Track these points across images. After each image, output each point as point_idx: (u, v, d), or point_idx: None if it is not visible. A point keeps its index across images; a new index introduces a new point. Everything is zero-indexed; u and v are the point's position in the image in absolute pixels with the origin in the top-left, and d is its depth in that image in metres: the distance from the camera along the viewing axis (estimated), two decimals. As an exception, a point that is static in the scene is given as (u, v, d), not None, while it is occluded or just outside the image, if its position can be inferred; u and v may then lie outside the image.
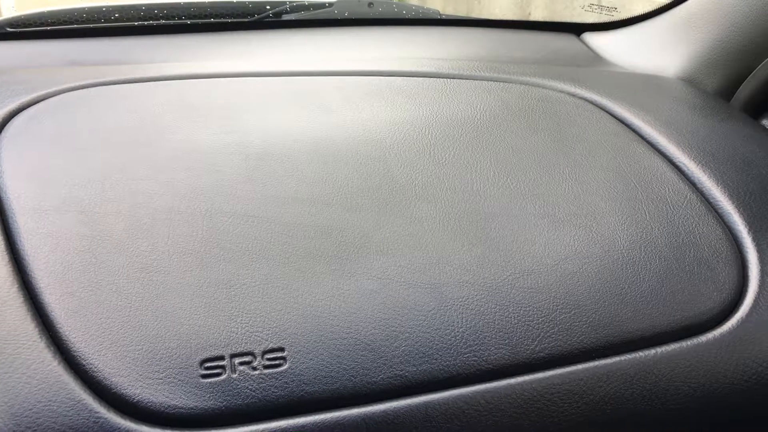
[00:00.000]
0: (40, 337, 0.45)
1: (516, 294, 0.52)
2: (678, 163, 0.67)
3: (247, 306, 0.49)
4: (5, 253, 0.49)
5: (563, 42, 1.03)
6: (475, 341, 0.49)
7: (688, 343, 0.52)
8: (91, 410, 0.42)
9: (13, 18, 1.00)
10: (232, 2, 1.12)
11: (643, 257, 0.56)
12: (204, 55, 0.87)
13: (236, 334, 0.47)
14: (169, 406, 0.44)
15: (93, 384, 0.44)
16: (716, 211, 0.62)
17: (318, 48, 0.93)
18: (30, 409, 0.42)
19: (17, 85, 0.67)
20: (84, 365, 0.44)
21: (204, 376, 0.45)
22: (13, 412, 0.42)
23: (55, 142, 0.60)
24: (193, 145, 0.61)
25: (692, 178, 0.65)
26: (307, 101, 0.70)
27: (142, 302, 0.48)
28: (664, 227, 0.59)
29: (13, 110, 0.63)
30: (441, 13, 1.19)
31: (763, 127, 0.78)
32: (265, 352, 0.47)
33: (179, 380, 0.44)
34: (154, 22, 0.98)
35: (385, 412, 0.46)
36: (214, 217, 0.54)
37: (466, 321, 0.50)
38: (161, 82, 0.71)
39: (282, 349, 0.47)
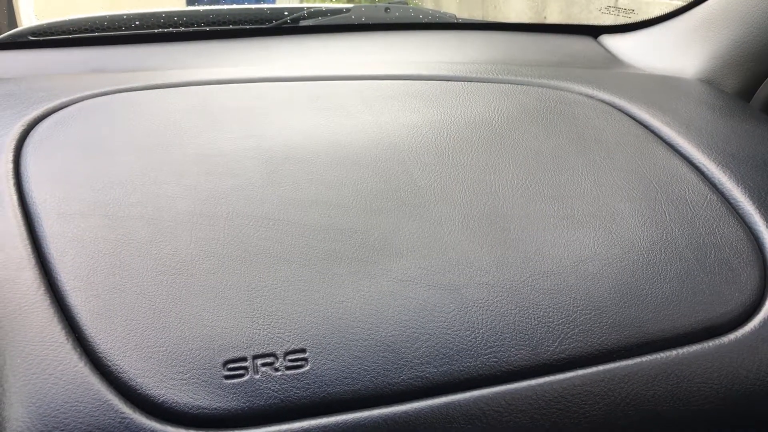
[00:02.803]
0: (67, 339, 0.46)
1: (536, 295, 0.52)
2: (698, 164, 0.67)
3: (269, 308, 0.49)
4: (31, 256, 0.50)
5: (580, 44, 1.03)
6: (495, 342, 0.50)
7: (710, 344, 0.52)
8: (116, 411, 0.43)
9: (35, 26, 1.01)
10: (251, 9, 1.13)
11: (664, 258, 0.56)
12: (223, 61, 0.88)
13: (258, 335, 0.47)
14: (193, 406, 0.44)
15: (118, 385, 0.44)
16: (737, 212, 0.62)
17: (336, 53, 0.93)
18: (57, 410, 0.42)
19: (41, 92, 0.69)
20: (109, 366, 0.45)
21: (227, 377, 0.45)
22: (40, 413, 0.42)
23: (79, 147, 0.60)
24: (213, 149, 0.62)
25: (712, 179, 0.65)
26: (325, 105, 0.70)
27: (165, 304, 0.48)
28: (684, 228, 0.59)
29: (38, 117, 0.64)
30: (457, 17, 1.19)
31: (784, 127, 0.77)
32: (287, 354, 0.47)
33: (203, 381, 0.45)
34: (174, 30, 1.00)
35: (406, 413, 0.46)
36: (235, 220, 0.55)
37: (487, 322, 0.50)
38: (182, 88, 0.72)
39: (304, 351, 0.47)
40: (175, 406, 0.44)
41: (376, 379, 0.47)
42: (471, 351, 0.49)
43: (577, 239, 0.57)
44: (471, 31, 1.06)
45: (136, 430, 0.43)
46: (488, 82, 0.79)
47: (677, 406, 0.50)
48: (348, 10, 1.12)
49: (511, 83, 0.79)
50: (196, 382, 0.45)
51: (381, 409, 0.46)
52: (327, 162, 0.62)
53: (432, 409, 0.46)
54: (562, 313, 0.52)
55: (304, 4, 1.18)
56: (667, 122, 0.72)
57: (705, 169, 0.66)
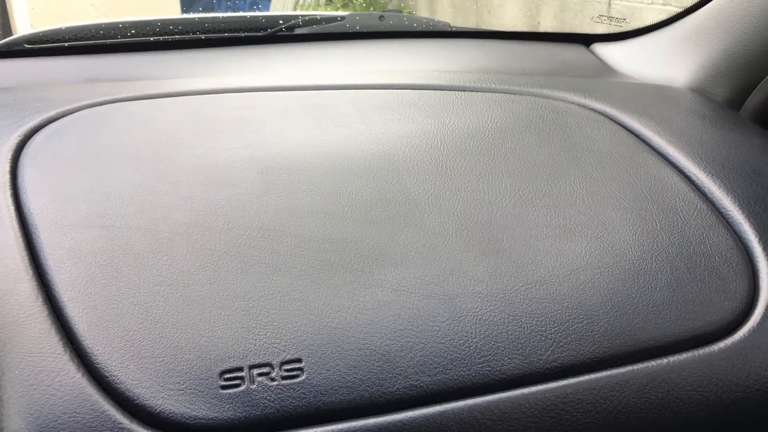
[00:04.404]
0: (64, 349, 0.46)
1: (528, 304, 0.53)
2: (688, 173, 0.68)
3: (265, 318, 0.49)
4: (29, 268, 0.50)
5: (573, 53, 1.04)
6: (488, 351, 0.50)
7: (700, 352, 0.53)
8: (114, 421, 0.43)
9: (31, 35, 1.01)
10: (246, 17, 1.14)
11: (654, 267, 0.57)
12: (218, 69, 0.88)
13: (254, 345, 0.48)
14: (190, 416, 0.45)
15: (116, 395, 0.45)
16: (726, 221, 0.62)
17: (330, 61, 0.94)
18: (55, 420, 0.43)
19: (37, 102, 0.69)
20: (107, 377, 0.45)
21: (223, 387, 0.46)
22: (38, 423, 0.43)
23: (76, 158, 0.61)
24: (209, 159, 0.62)
25: (702, 188, 0.66)
26: (320, 115, 0.71)
27: (162, 315, 0.49)
28: (674, 237, 0.60)
29: (34, 127, 0.65)
30: (451, 25, 1.19)
31: (773, 136, 0.78)
32: (282, 363, 0.47)
33: (199, 391, 0.45)
34: (170, 38, 1.00)
35: (401, 422, 0.47)
36: (231, 230, 0.55)
37: (480, 331, 0.51)
38: (177, 98, 0.73)
39: (299, 360, 0.48)
40: (172, 416, 0.44)
41: (371, 388, 0.47)
42: (464, 360, 0.50)
43: (569, 248, 0.58)
44: (465, 40, 1.07)
45: None
46: (481, 91, 0.79)
47: (668, 414, 0.51)
48: (342, 18, 1.12)
49: (504, 92, 0.80)
50: (193, 392, 0.45)
51: (376, 418, 0.47)
52: (322, 172, 0.62)
53: (426, 418, 0.47)
54: (554, 321, 0.52)
55: (299, 12, 1.18)
56: (658, 131, 0.73)
57: (695, 179, 0.67)
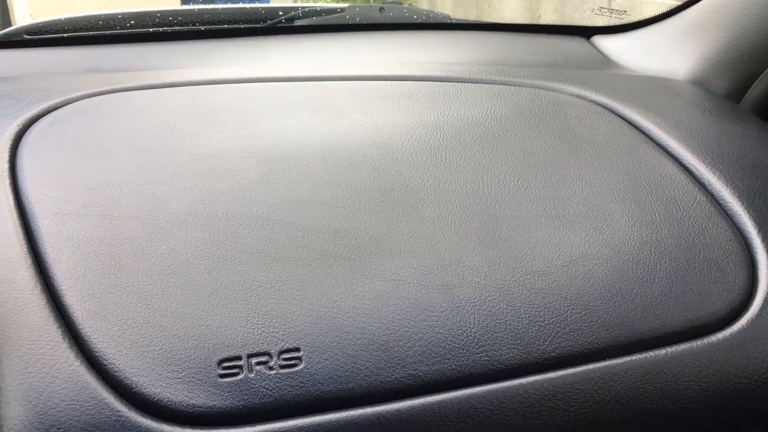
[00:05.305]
0: (63, 338, 0.46)
1: (527, 295, 0.53)
2: (688, 165, 0.67)
3: (263, 307, 0.50)
4: (28, 256, 0.51)
5: (573, 45, 1.03)
6: (487, 341, 0.50)
7: (699, 343, 0.53)
8: (112, 409, 0.44)
9: (30, 25, 1.02)
10: (245, 8, 1.14)
11: (653, 258, 0.57)
12: (218, 60, 0.88)
13: (253, 334, 0.48)
14: (188, 404, 0.45)
15: (114, 383, 0.45)
16: (726, 213, 0.62)
17: (330, 53, 0.94)
18: (54, 408, 0.43)
19: (36, 92, 0.69)
20: (105, 365, 0.45)
21: (222, 376, 0.46)
22: (37, 411, 0.43)
23: (75, 147, 0.61)
24: (208, 149, 0.62)
25: (702, 180, 0.66)
26: (319, 106, 0.71)
27: (161, 304, 0.49)
28: (673, 228, 0.60)
29: (33, 117, 0.64)
30: (451, 17, 1.19)
31: (773, 128, 0.78)
32: (281, 352, 0.47)
33: (198, 380, 0.46)
34: (169, 29, 1.00)
35: (399, 412, 0.47)
36: (230, 220, 0.55)
37: (478, 321, 0.51)
38: (177, 88, 0.73)
39: (298, 350, 0.48)
40: (171, 404, 0.45)
41: (369, 377, 0.47)
42: (463, 350, 0.50)
43: (568, 239, 0.58)
44: (464, 32, 1.07)
45: (132, 428, 0.43)
46: (481, 83, 0.79)
47: (666, 404, 0.51)
48: (342, 9, 1.12)
49: (504, 84, 0.79)
50: (191, 381, 0.45)
51: (374, 407, 0.47)
52: (321, 162, 0.62)
53: (425, 407, 0.47)
54: (553, 312, 0.52)
55: (299, 4, 1.18)
56: (657, 123, 0.73)
57: (695, 170, 0.67)
